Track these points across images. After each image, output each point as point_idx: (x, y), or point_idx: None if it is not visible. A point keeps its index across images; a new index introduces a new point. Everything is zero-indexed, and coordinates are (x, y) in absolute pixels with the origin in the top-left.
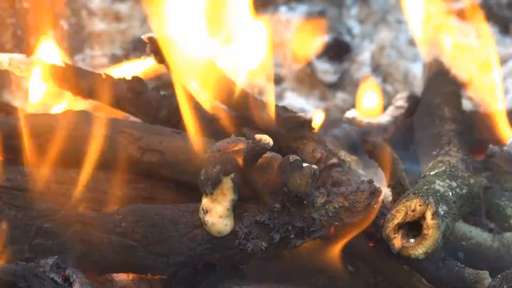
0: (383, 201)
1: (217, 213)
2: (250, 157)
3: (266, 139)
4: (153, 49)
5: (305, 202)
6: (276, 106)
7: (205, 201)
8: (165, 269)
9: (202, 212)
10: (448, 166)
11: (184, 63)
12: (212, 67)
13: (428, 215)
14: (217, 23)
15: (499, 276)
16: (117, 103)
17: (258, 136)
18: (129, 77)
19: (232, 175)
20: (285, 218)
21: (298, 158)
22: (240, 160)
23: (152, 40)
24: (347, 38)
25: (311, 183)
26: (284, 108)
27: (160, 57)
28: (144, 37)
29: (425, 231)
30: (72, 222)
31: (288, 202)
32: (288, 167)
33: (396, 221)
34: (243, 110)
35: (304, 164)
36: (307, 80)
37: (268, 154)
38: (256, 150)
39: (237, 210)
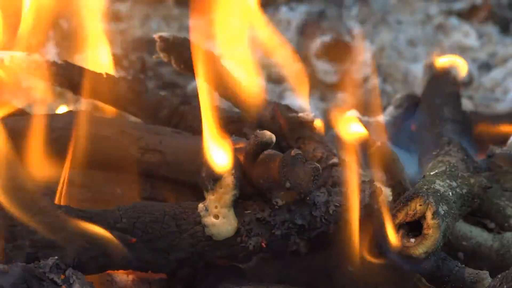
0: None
1: (218, 212)
2: (252, 152)
3: (268, 134)
4: (163, 47)
5: (306, 200)
6: (278, 105)
7: (206, 199)
8: (166, 265)
9: (203, 211)
10: (448, 166)
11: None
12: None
13: (429, 214)
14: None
15: (499, 276)
16: (117, 103)
17: (260, 132)
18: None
19: (233, 171)
20: (286, 216)
21: (300, 152)
22: (241, 157)
23: (162, 39)
24: (347, 38)
25: (313, 180)
26: (287, 108)
27: (168, 56)
28: (155, 36)
29: (425, 231)
30: (73, 218)
31: (288, 198)
32: (290, 161)
33: (396, 221)
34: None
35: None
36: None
37: (269, 151)
38: (257, 145)
39: (237, 208)
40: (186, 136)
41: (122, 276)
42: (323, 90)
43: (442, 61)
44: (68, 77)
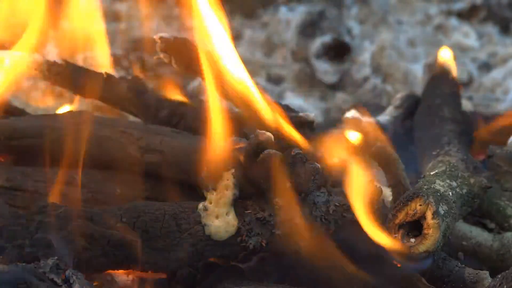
0: (383, 201)
1: (218, 212)
2: (252, 152)
3: (268, 134)
4: (163, 48)
5: (306, 200)
6: (279, 105)
7: (207, 198)
8: (166, 265)
9: (203, 211)
10: (448, 166)
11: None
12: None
13: (429, 214)
14: None
15: (499, 276)
16: (117, 103)
17: (259, 132)
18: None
19: (233, 171)
20: (286, 215)
21: (301, 152)
22: (241, 157)
23: (163, 40)
24: (347, 38)
25: (313, 179)
26: (287, 108)
27: (168, 57)
28: (156, 36)
29: (425, 231)
30: (73, 217)
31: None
32: (291, 160)
33: (396, 221)
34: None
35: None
36: (307, 80)
37: (269, 151)
38: (257, 145)
39: (237, 207)
40: (186, 136)
41: (122, 276)
42: (323, 90)
43: (444, 56)
44: (68, 77)
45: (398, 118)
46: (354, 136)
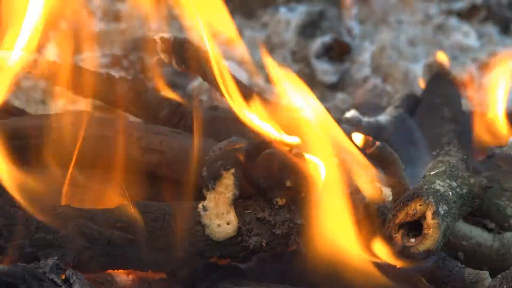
0: (383, 201)
1: (218, 212)
2: (252, 152)
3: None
4: (163, 49)
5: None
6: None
7: (207, 198)
8: (166, 265)
9: (203, 211)
10: (448, 166)
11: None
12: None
13: (429, 214)
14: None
15: (499, 276)
16: (117, 103)
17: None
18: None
19: (233, 170)
20: (286, 215)
21: (301, 151)
22: (241, 157)
23: (163, 40)
24: (347, 38)
25: None
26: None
27: (169, 57)
28: (156, 36)
29: (425, 231)
30: (73, 217)
31: (288, 197)
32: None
33: (396, 221)
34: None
35: None
36: (307, 80)
37: (269, 151)
38: (258, 144)
39: (238, 207)
40: (186, 136)
41: (122, 276)
42: (323, 90)
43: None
44: (68, 77)
45: (398, 118)
46: (356, 137)
